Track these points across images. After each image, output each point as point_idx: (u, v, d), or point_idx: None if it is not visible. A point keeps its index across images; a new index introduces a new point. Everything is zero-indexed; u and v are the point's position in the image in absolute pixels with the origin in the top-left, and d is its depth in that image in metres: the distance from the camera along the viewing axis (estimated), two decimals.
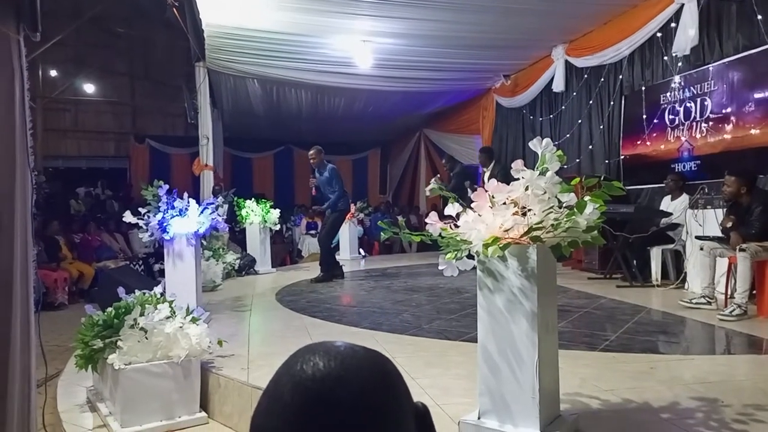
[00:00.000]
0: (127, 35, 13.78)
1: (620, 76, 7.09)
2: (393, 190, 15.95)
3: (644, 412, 2.39)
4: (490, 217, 2.09)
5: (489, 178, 7.32)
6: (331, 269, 6.75)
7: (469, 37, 7.38)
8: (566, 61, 7.91)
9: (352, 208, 9.39)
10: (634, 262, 5.84)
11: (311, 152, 6.83)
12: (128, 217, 4.15)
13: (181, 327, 2.98)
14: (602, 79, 7.38)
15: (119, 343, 2.86)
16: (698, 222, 5.19)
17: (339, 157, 15.91)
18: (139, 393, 2.83)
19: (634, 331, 3.83)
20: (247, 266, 7.56)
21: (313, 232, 11.64)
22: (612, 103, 7.25)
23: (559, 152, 2.16)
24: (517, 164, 2.13)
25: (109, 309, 3.11)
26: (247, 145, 14.68)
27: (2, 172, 1.89)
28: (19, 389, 1.94)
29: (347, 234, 9.42)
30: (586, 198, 2.06)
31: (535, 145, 2.17)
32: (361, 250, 9.87)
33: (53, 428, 3.05)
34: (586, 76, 7.69)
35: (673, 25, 5.98)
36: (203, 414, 3.01)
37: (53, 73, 13.66)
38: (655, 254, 5.77)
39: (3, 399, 1.87)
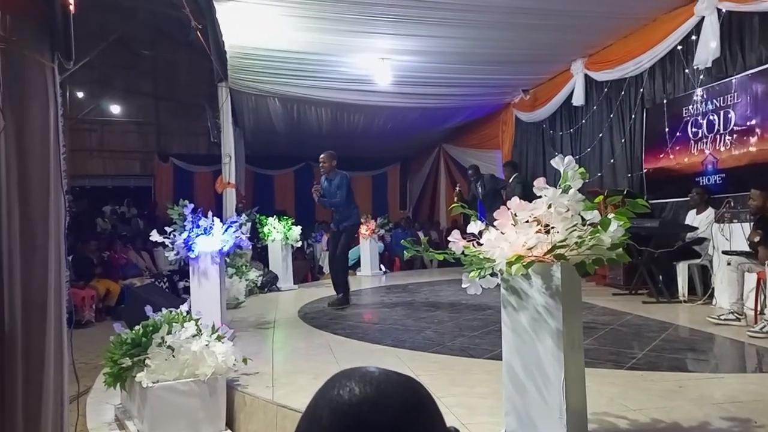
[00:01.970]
0: (151, 57, 14.12)
1: (641, 90, 7.04)
2: (413, 205, 15.96)
3: None
4: (513, 235, 2.09)
5: (507, 190, 7.32)
6: (347, 291, 6.16)
7: (488, 53, 7.42)
8: (586, 75, 7.89)
9: (372, 224, 9.44)
10: (660, 277, 5.75)
11: (322, 156, 6.26)
12: (155, 236, 4.24)
13: (207, 345, 3.02)
14: (623, 93, 7.33)
15: (147, 361, 2.91)
16: (725, 236, 5.11)
17: (359, 173, 16.01)
18: (167, 411, 2.87)
19: (661, 349, 3.77)
20: (270, 283, 7.62)
21: None
22: (633, 116, 7.20)
23: (581, 169, 2.16)
24: (539, 182, 2.13)
25: (137, 327, 3.16)
26: (269, 162, 14.86)
27: (37, 195, 1.95)
28: (53, 408, 1.98)
29: (368, 250, 9.45)
30: (610, 215, 2.06)
31: (557, 162, 2.18)
32: (382, 266, 9.88)
33: None
34: (606, 89, 7.66)
35: (694, 37, 5.95)
36: None
37: (80, 94, 14.02)
38: (682, 269, 5.68)
39: (38, 417, 1.91)
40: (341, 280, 6.17)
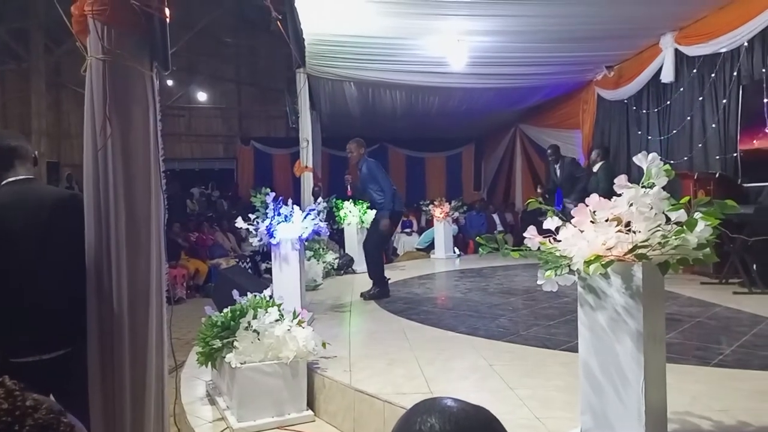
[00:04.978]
0: (234, 44, 14.65)
1: (737, 65, 6.55)
2: (488, 186, 15.75)
3: None
4: (592, 233, 2.06)
5: (591, 180, 7.09)
6: (385, 282, 5.81)
7: (570, 30, 7.13)
8: (676, 50, 7.42)
9: (446, 207, 9.41)
10: (754, 266, 5.41)
11: (348, 145, 5.99)
12: (240, 223, 4.48)
13: (289, 330, 3.18)
14: (716, 69, 6.86)
15: (235, 343, 3.12)
16: None
17: (433, 153, 16.02)
18: (254, 390, 3.07)
19: (752, 345, 3.58)
20: (346, 265, 7.81)
21: (408, 230, 11.79)
22: (728, 94, 6.73)
23: (666, 167, 2.09)
24: (621, 180, 2.08)
25: (226, 310, 3.38)
26: (344, 144, 15.09)
27: (141, 197, 2.14)
28: (155, 383, 2.20)
29: (442, 233, 9.46)
30: (697, 215, 1.98)
31: (640, 159, 2.11)
32: (456, 249, 9.86)
33: (179, 418, 3.37)
34: (698, 64, 7.19)
35: None
36: (310, 412, 3.20)
37: (169, 82, 14.81)
38: None
39: (143, 392, 2.13)
40: (374, 273, 5.81)
